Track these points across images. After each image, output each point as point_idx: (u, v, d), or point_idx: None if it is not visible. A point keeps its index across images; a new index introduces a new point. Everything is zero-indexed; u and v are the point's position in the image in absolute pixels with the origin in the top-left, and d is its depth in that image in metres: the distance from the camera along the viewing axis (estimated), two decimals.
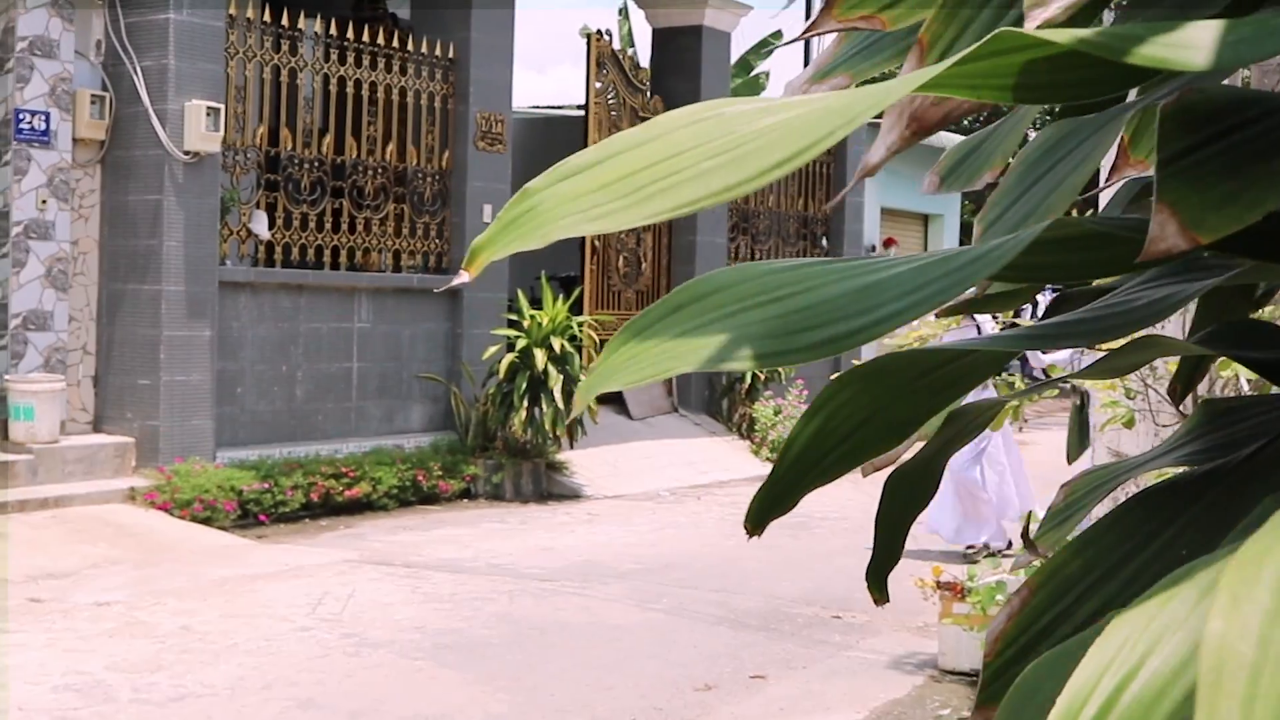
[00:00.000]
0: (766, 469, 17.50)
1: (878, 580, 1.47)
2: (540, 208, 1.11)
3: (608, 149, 1.13)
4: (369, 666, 8.31)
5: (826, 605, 10.48)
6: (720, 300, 1.13)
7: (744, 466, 17.93)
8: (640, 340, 1.11)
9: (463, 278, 1.14)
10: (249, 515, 12.85)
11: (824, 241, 22.55)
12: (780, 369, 18.96)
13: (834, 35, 1.60)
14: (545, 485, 15.43)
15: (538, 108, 24.43)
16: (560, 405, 15.02)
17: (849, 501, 15.70)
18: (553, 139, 21.07)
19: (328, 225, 14.85)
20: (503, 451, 15.25)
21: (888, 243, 25.98)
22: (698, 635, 9.44)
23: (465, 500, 14.86)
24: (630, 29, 29.28)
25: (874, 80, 1.55)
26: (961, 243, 25.84)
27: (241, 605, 9.68)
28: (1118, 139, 1.40)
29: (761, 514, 1.33)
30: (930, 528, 12.04)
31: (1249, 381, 5.81)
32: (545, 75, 74.63)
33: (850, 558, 12.15)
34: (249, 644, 8.64)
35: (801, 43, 27.11)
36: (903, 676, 8.64)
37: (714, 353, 1.09)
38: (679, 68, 19.45)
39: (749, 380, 18.92)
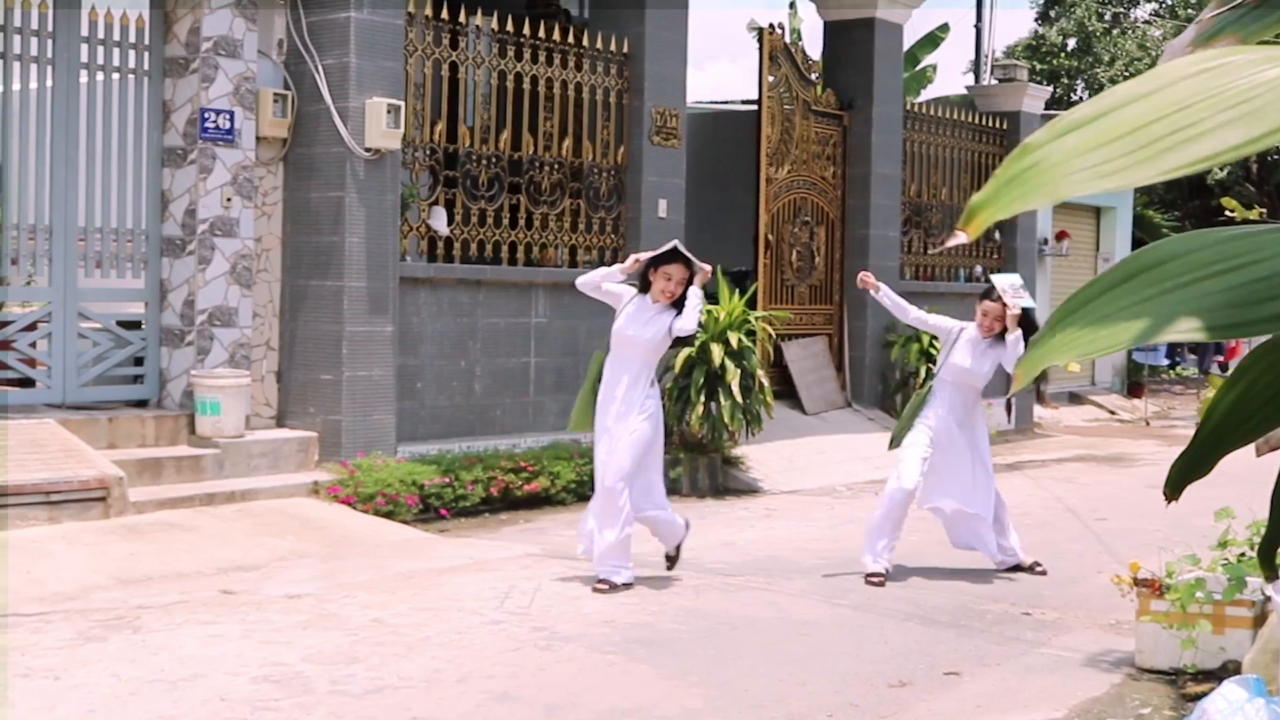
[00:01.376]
0: None
1: (1268, 558, 1.36)
2: (1044, 164, 1.01)
3: (1108, 101, 1.03)
4: (561, 660, 8.27)
5: (1015, 602, 10.29)
6: (1175, 269, 1.04)
7: None
8: (1088, 311, 1.02)
9: (959, 238, 1.05)
10: (430, 509, 12.91)
11: (997, 235, 22.27)
12: None
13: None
14: (721, 480, 15.35)
15: (699, 103, 24.34)
16: (738, 399, 14.92)
17: (1029, 498, 15.51)
18: (722, 134, 21.02)
19: (505, 221, 14.88)
20: (679, 446, 15.18)
21: (1060, 236, 25.61)
22: (887, 631, 9.31)
23: None
24: (799, 24, 29.09)
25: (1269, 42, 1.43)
26: (1134, 236, 25.24)
27: (430, 598, 9.69)
28: None
29: (1181, 478, 1.24)
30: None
31: None
32: (704, 71, 74.53)
33: (1038, 553, 11.92)
34: (441, 637, 8.65)
35: (971, 37, 26.57)
36: (1099, 674, 8.45)
37: (1167, 323, 0.99)
38: (851, 61, 19.29)
39: (923, 374, 18.69)
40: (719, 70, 72.24)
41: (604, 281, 10.30)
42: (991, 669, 8.53)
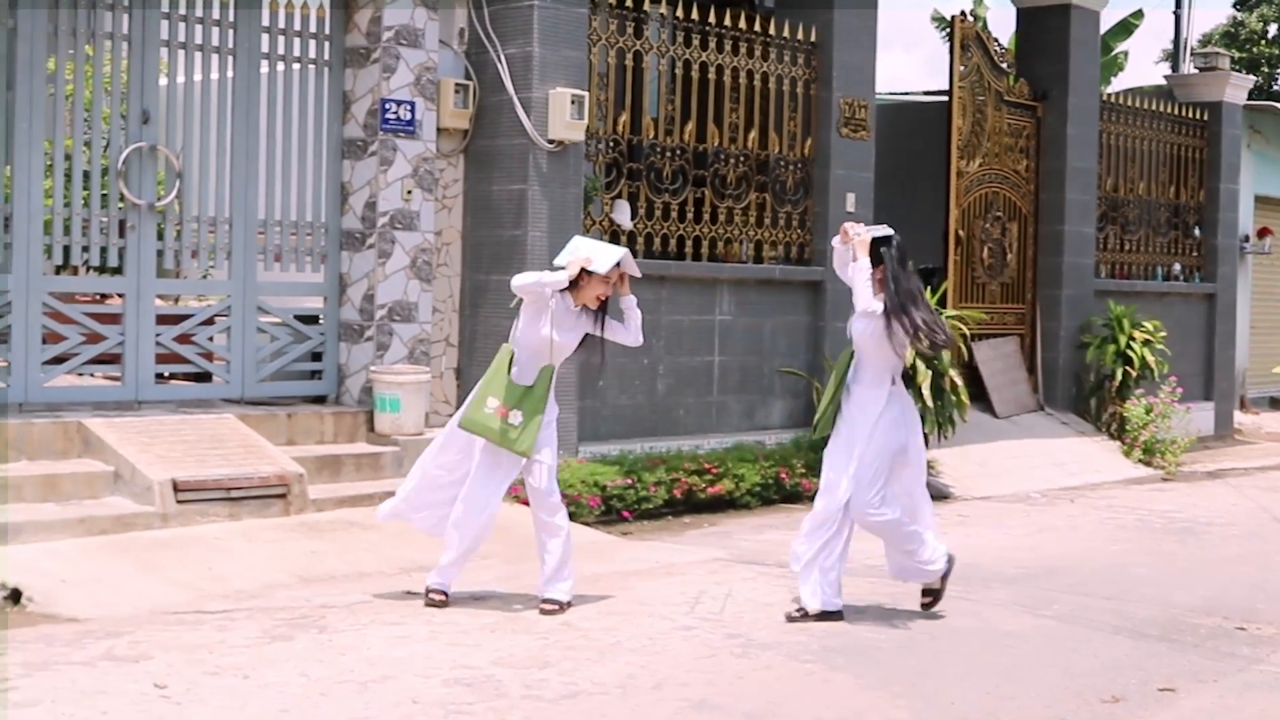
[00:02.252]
0: (1139, 471, 16.94)
1: None
2: None
3: None
4: (758, 668, 8.21)
5: (1228, 616, 10.06)
6: None
7: (1116, 468, 17.45)
8: None
9: None
10: (612, 511, 12.90)
11: (1196, 231, 21.84)
12: (1153, 366, 18.39)
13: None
14: None
15: (878, 94, 24.11)
16: (930, 402, 14.75)
17: (1234, 507, 15.20)
18: (907, 126, 20.80)
19: (689, 215, 14.83)
20: None
21: (1262, 232, 25.07)
22: (1096, 644, 9.13)
23: None
24: (984, 12, 28.77)
25: None
26: None
27: (618, 603, 9.67)
28: None
29: None
30: None
31: None
32: (878, 62, 73.88)
33: (1247, 565, 11.67)
34: (632, 642, 8.62)
35: (1161, 23, 26.05)
36: None
37: None
38: (1045, 49, 19.01)
39: (1120, 377, 18.38)
40: (892, 60, 71.61)
41: (545, 288, 9.45)
42: (1208, 685, 8.34)
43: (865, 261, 9.41)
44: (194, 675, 7.56)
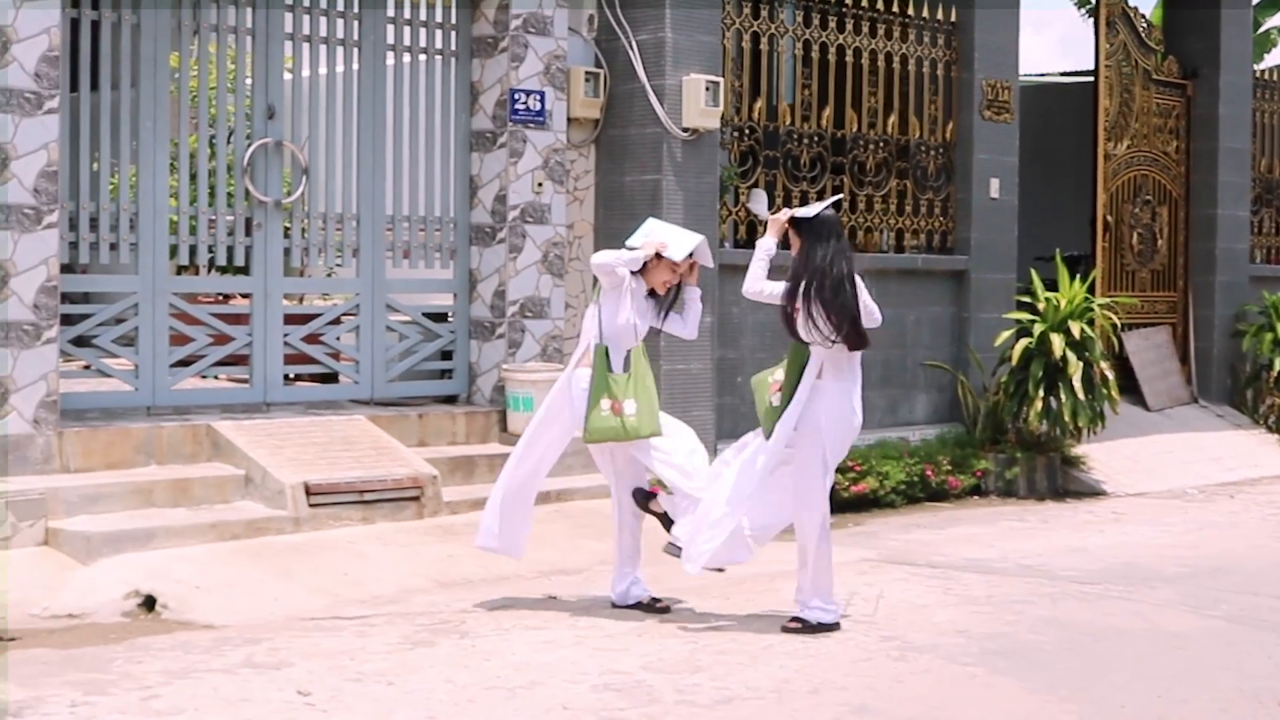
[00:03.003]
0: None
1: None
2: None
3: None
4: (917, 672, 8.12)
5: None
6: None
7: (1276, 462, 17.14)
8: None
9: None
10: None
11: None
12: None
13: None
14: (1061, 481, 15.01)
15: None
16: (1080, 395, 14.56)
17: None
18: (1049, 107, 20.55)
19: None
20: (1015, 445, 14.90)
21: None
22: (1269, 646, 8.97)
23: (975, 497, 14.57)
24: None
25: None
26: None
27: (766, 604, 9.63)
28: None
29: None
30: None
31: None
32: None
33: None
34: (784, 645, 8.56)
35: None
36: None
37: None
38: (1195, 26, 18.73)
39: (1278, 367, 18.07)
40: (1023, 41, 71.09)
41: (620, 266, 9.45)
42: None
43: (768, 242, 9.23)
44: (337, 682, 7.58)
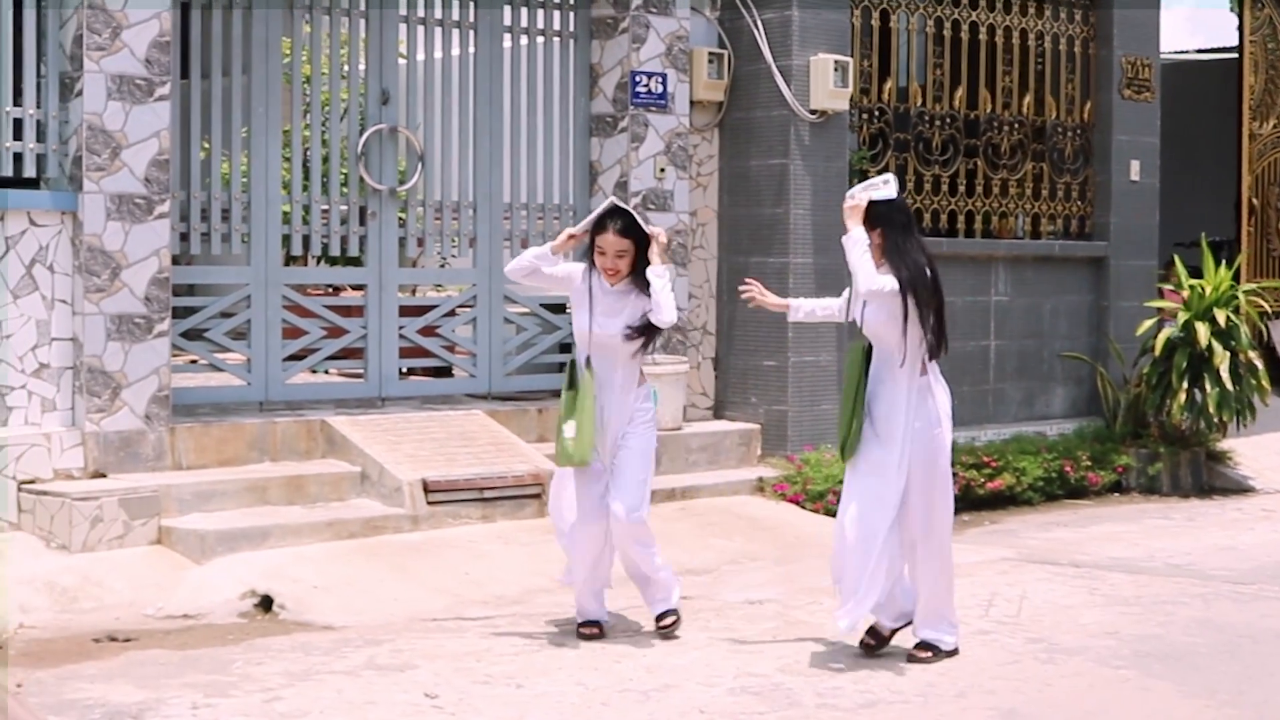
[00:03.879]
0: None
1: None
2: None
3: None
4: (1067, 675, 8.02)
5: None
6: None
7: None
8: None
9: None
10: None
11: None
12: None
13: None
14: (1206, 477, 14.81)
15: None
16: (1227, 386, 14.36)
17: None
18: (1186, 87, 20.31)
19: (960, 188, 14.62)
20: (1157, 439, 14.71)
21: None
22: None
23: (1116, 494, 14.42)
24: None
25: None
26: None
27: None
28: None
29: None
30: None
31: None
32: None
33: None
34: None
35: None
36: None
37: None
38: None
39: None
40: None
41: (540, 264, 8.72)
42: None
43: (859, 231, 8.26)
44: (464, 685, 7.58)
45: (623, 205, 8.74)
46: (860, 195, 8.38)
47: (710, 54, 13.23)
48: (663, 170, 12.84)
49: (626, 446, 8.68)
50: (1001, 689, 7.71)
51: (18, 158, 10.37)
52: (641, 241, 8.59)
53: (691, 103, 13.17)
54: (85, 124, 10.28)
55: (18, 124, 10.37)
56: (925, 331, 8.11)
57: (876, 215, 8.28)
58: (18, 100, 10.38)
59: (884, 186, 8.35)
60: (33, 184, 10.55)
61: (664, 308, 8.52)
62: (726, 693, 7.54)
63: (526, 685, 7.61)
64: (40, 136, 10.43)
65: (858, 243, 8.24)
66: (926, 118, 14.39)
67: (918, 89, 14.37)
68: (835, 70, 13.05)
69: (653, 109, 12.83)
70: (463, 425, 11.78)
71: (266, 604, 9.32)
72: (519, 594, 9.69)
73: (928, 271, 8.16)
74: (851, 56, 13.46)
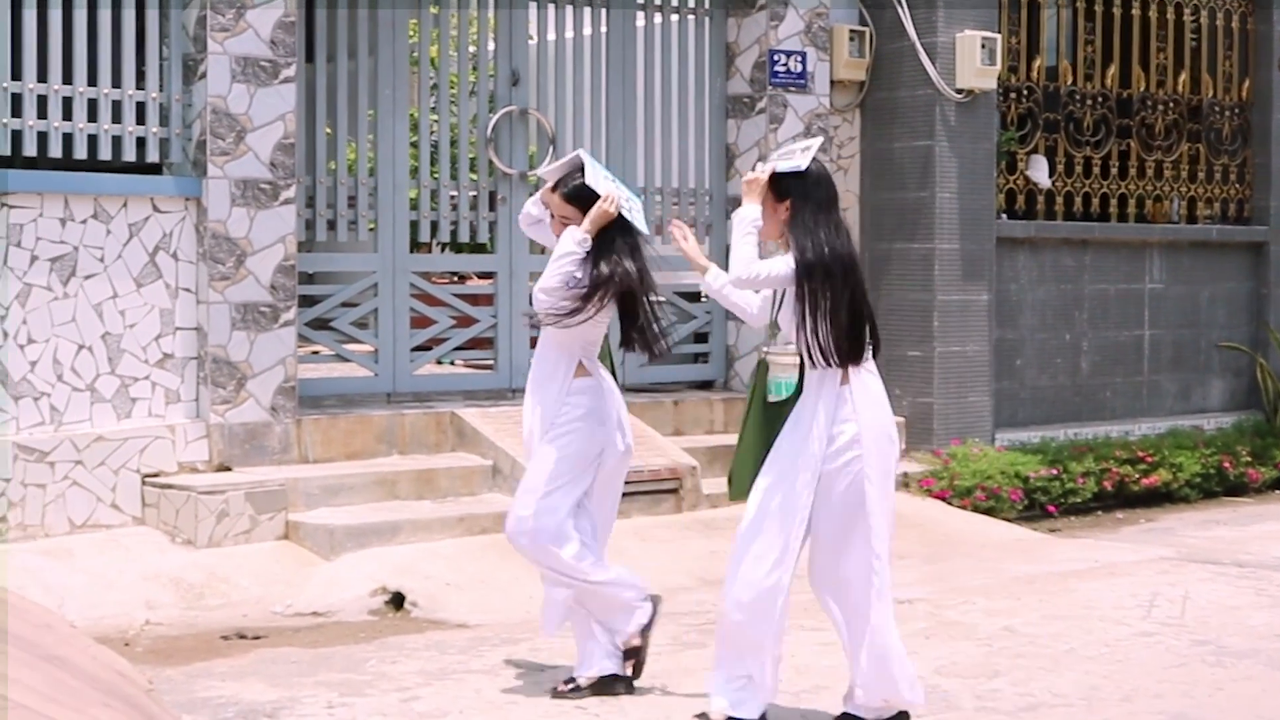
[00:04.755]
0: None
1: None
2: None
3: None
4: (1238, 679, 7.88)
5: None
6: None
7: None
8: None
9: None
10: (1035, 505, 12.62)
11: None
12: None
13: None
14: None
15: None
16: None
17: None
18: None
19: (1113, 170, 14.46)
20: None
21: None
22: None
23: (1277, 491, 14.23)
24: None
25: None
26: None
27: (1060, 606, 9.42)
28: None
29: None
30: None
31: None
32: None
33: None
34: (1086, 649, 8.36)
35: None
36: None
37: None
38: None
39: None
40: None
41: (541, 213, 7.78)
42: None
43: (750, 209, 6.81)
44: None
45: (589, 164, 7.55)
46: (763, 167, 6.88)
47: (851, 31, 13.14)
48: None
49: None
50: (1169, 692, 7.58)
51: (141, 143, 10.44)
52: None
53: (832, 82, 13.08)
54: (209, 107, 10.33)
55: (140, 108, 10.44)
56: (830, 327, 6.56)
57: (788, 187, 6.74)
58: (140, 84, 10.46)
59: (799, 155, 6.82)
60: (155, 169, 10.63)
61: (547, 275, 7.37)
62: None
63: (672, 686, 7.57)
64: (163, 121, 10.50)
65: (742, 222, 6.77)
66: (1077, 97, 14.24)
67: (1067, 67, 14.22)
68: (982, 47, 12.92)
69: (792, 89, 12.75)
70: None
71: (398, 601, 9.33)
72: (659, 592, 9.62)
73: (838, 255, 6.62)
74: (999, 33, 13.32)
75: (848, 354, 6.64)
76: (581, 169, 7.48)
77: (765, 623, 6.80)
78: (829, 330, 6.58)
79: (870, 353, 6.77)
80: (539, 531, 7.37)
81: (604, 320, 7.51)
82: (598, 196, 7.35)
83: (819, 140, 7.04)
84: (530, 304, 8.16)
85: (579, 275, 7.30)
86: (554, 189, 7.53)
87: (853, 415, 6.65)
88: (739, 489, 7.09)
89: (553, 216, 7.58)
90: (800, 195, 6.69)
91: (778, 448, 6.81)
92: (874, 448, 6.67)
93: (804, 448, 6.68)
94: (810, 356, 6.71)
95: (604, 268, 7.32)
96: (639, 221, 7.51)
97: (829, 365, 6.65)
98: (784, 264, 6.62)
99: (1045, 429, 13.69)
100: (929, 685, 7.59)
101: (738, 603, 6.83)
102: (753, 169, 6.99)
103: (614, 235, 7.39)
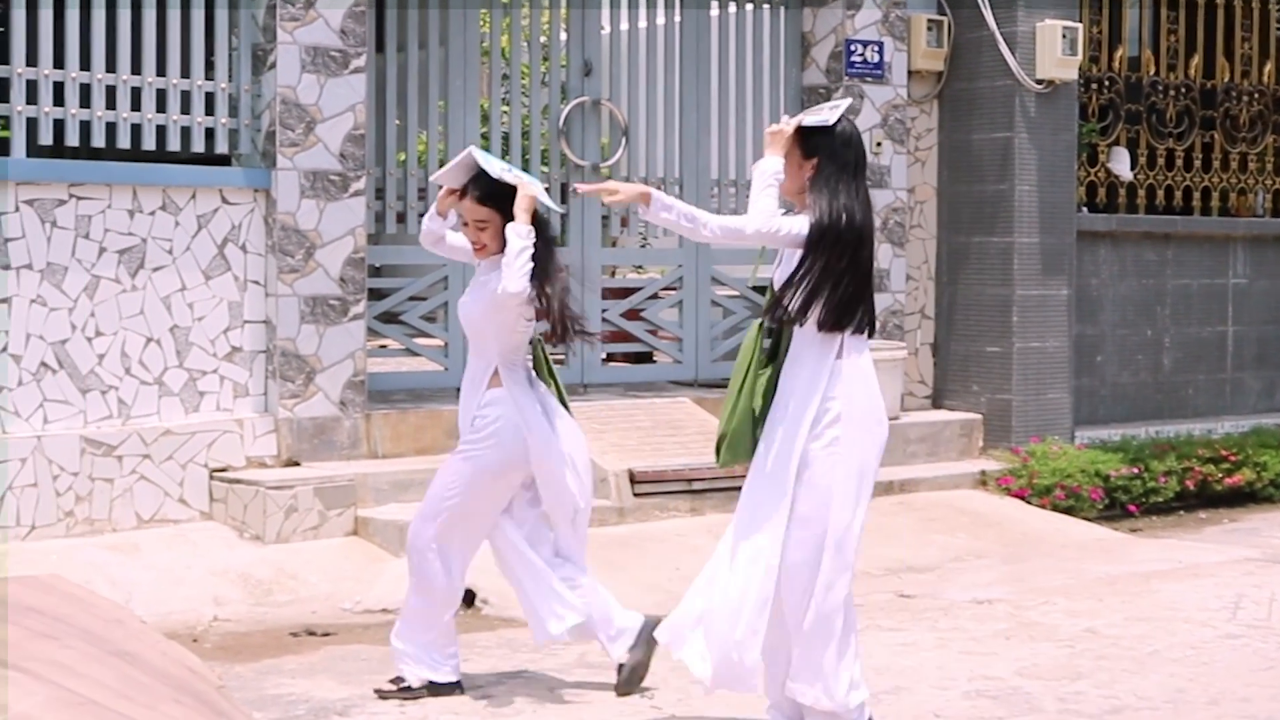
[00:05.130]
0: None
1: None
2: None
3: None
4: None
5: None
6: None
7: None
8: None
9: None
10: (1115, 505, 12.53)
11: None
12: None
13: None
14: None
15: None
16: None
17: None
18: None
19: (1196, 163, 14.35)
20: None
21: None
22: None
23: None
24: None
25: None
26: None
27: (1143, 607, 9.34)
28: None
29: None
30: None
31: None
32: None
33: None
34: (1171, 652, 8.28)
35: None
36: None
37: None
38: None
39: None
40: None
41: (434, 228, 7.51)
42: None
43: (771, 162, 6.44)
44: (682, 685, 7.49)
45: (484, 160, 7.22)
46: (789, 120, 6.56)
47: (929, 21, 13.06)
48: (879, 145, 12.69)
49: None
50: (1256, 696, 7.50)
51: (209, 133, 10.47)
52: (508, 211, 7.11)
53: (909, 73, 13.01)
54: (278, 98, 10.35)
55: (209, 98, 10.46)
56: (829, 295, 6.26)
57: (816, 144, 6.39)
58: (209, 74, 10.48)
59: (827, 111, 6.51)
60: (224, 161, 10.65)
61: (505, 273, 7.01)
62: (961, 696, 7.40)
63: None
64: (232, 111, 10.52)
65: (763, 174, 6.40)
66: (1159, 88, 14.14)
67: (1150, 57, 14.12)
68: (1063, 37, 12.83)
69: (868, 80, 12.69)
70: (669, 413, 11.72)
71: (469, 599, 9.30)
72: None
73: (855, 223, 6.31)
74: (1080, 22, 13.22)
75: (840, 323, 6.31)
76: (477, 167, 7.17)
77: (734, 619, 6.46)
78: (828, 297, 6.26)
79: (868, 330, 6.45)
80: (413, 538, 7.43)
81: (525, 330, 7.29)
82: (509, 192, 7.08)
83: (849, 101, 6.83)
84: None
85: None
86: (462, 195, 7.23)
87: (842, 388, 6.34)
88: (733, 454, 6.72)
89: (465, 224, 7.29)
90: (827, 154, 6.35)
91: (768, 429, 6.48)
92: (859, 430, 6.37)
93: (789, 423, 6.37)
94: (800, 320, 6.33)
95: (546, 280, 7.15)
96: (550, 202, 7.34)
97: (827, 333, 6.31)
98: (803, 223, 6.28)
99: (1126, 427, 13.59)
100: (1010, 687, 7.56)
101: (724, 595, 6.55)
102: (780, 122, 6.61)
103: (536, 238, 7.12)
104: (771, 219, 6.28)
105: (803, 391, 6.35)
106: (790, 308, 6.30)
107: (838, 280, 6.27)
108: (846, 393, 6.34)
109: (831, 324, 6.29)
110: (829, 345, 6.34)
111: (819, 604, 6.35)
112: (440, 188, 7.41)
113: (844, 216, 6.26)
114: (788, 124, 6.47)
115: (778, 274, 6.50)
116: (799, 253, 6.30)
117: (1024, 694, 7.45)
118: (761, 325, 6.53)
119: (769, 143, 6.47)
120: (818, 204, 6.28)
